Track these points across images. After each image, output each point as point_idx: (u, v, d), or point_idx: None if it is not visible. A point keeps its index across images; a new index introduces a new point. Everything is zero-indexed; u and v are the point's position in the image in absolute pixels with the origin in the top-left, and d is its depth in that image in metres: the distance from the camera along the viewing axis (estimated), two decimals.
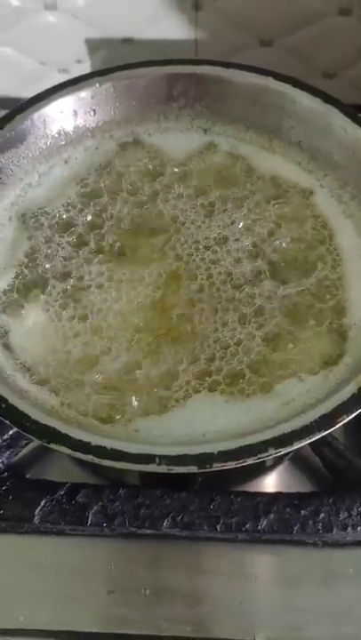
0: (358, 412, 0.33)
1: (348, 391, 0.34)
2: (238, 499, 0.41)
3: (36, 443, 0.45)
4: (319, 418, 0.33)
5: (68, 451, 0.33)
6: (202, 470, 0.32)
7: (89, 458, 0.33)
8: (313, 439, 0.33)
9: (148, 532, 0.40)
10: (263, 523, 0.40)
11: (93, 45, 0.65)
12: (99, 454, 0.33)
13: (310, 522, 0.40)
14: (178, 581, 0.41)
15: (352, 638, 0.39)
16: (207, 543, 0.41)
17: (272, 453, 0.33)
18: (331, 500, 0.41)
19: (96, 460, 0.32)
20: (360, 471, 0.41)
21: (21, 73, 0.67)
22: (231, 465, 0.32)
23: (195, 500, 0.41)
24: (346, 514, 0.40)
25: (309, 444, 0.40)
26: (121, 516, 0.40)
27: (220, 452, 0.33)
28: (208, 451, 0.33)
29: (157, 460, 0.32)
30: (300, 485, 0.45)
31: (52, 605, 0.40)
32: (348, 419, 0.33)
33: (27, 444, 0.44)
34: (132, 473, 0.43)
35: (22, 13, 0.62)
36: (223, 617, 0.40)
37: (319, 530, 0.40)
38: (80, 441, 0.33)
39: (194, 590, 0.41)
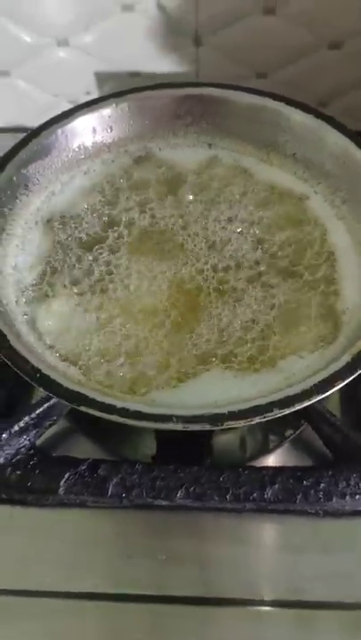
0: (351, 377, 0.38)
1: (342, 361, 0.39)
2: (246, 472, 0.44)
3: (59, 425, 0.49)
4: (318, 383, 0.38)
5: (97, 412, 0.37)
6: (214, 428, 0.36)
7: (114, 417, 0.36)
8: (312, 401, 0.37)
9: (163, 502, 0.43)
10: (269, 493, 0.43)
11: (102, 79, 0.69)
12: (123, 414, 0.37)
13: (312, 491, 0.43)
14: (190, 547, 0.44)
15: (350, 598, 0.42)
16: (217, 513, 0.44)
17: (276, 413, 0.37)
18: (330, 472, 0.44)
19: (120, 420, 0.36)
20: (356, 444, 0.44)
21: (34, 104, 0.71)
22: (240, 423, 0.36)
23: (206, 474, 0.43)
24: (344, 484, 0.43)
25: (309, 422, 0.45)
26: (138, 487, 0.43)
27: (230, 412, 0.37)
28: (220, 412, 0.37)
29: (174, 419, 0.36)
30: (302, 463, 0.48)
31: (74, 570, 0.43)
32: (343, 383, 0.38)
33: (50, 426, 0.47)
34: (147, 450, 0.47)
35: (36, 49, 0.66)
36: (232, 579, 0.42)
37: (320, 499, 0.43)
38: (106, 404, 0.37)
39: (205, 556, 0.43)
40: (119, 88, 0.64)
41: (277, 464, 0.48)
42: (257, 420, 0.36)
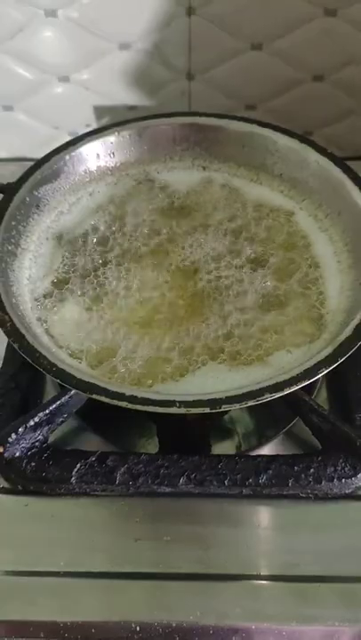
0: (332, 366, 0.42)
1: (325, 353, 0.43)
2: (242, 459, 0.47)
3: (70, 423, 0.52)
4: (304, 370, 0.42)
5: (107, 399, 0.41)
6: (213, 410, 0.40)
7: (123, 404, 0.41)
8: (300, 386, 0.42)
9: (167, 489, 0.46)
10: (263, 478, 0.46)
11: (100, 112, 0.73)
12: (131, 401, 0.41)
13: (303, 476, 0.46)
14: (193, 530, 0.47)
15: (339, 572, 0.45)
16: (217, 498, 0.47)
17: (268, 397, 0.41)
18: (319, 458, 0.47)
19: (130, 405, 0.41)
20: (342, 433, 0.48)
21: (36, 136, 0.74)
22: (236, 406, 0.41)
23: (206, 462, 0.47)
24: (332, 468, 0.47)
25: (300, 414, 0.50)
26: (144, 475, 0.46)
27: (227, 397, 0.41)
28: (217, 396, 0.41)
29: (177, 404, 0.41)
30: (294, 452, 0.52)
31: (86, 552, 0.46)
32: (326, 371, 0.42)
33: (62, 422, 0.51)
34: (150, 446, 0.51)
35: (38, 84, 0.70)
36: (231, 557, 0.45)
37: (310, 482, 0.46)
38: (115, 392, 0.42)
39: (206, 537, 0.46)
40: (117, 120, 0.68)
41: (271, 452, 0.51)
42: (250, 402, 0.41)
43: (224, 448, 0.54)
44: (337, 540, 0.47)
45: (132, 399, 0.41)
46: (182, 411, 0.40)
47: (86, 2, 0.63)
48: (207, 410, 0.40)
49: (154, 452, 0.50)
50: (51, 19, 0.64)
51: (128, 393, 0.41)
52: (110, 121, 0.73)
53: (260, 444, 0.52)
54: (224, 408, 0.40)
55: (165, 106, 0.72)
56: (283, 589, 0.45)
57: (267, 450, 0.52)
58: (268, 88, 0.70)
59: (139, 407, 0.40)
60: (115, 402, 0.41)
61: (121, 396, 0.41)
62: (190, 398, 0.41)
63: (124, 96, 0.71)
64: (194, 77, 0.70)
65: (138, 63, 0.68)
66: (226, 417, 0.56)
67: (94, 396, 0.41)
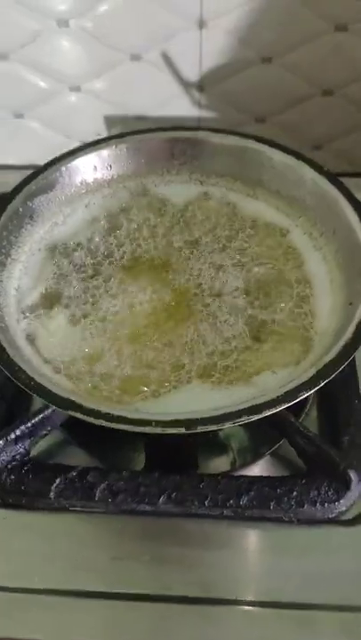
0: (313, 390, 0.41)
1: (307, 375, 0.42)
2: (224, 479, 0.46)
3: (54, 437, 0.52)
4: (284, 393, 0.41)
5: (83, 416, 0.41)
6: (189, 431, 0.40)
7: (99, 422, 0.40)
8: (279, 409, 0.41)
9: (147, 507, 0.46)
10: (245, 499, 0.45)
11: (111, 122, 0.73)
12: (107, 419, 0.40)
13: (285, 498, 0.45)
14: (172, 550, 0.46)
15: (321, 600, 0.44)
16: (198, 518, 0.47)
17: (245, 419, 0.40)
18: (303, 481, 0.46)
19: (105, 423, 0.40)
20: (327, 456, 0.47)
21: (48, 144, 0.74)
22: (213, 427, 0.40)
23: (187, 481, 0.46)
24: (315, 492, 0.46)
25: (285, 436, 0.49)
26: (123, 493, 0.46)
27: (203, 418, 0.40)
28: (194, 417, 0.41)
29: (153, 423, 0.40)
30: (280, 473, 0.51)
31: (63, 569, 0.46)
32: (306, 394, 0.41)
33: (45, 435, 0.51)
34: (136, 462, 0.50)
35: (50, 93, 0.70)
36: (211, 580, 0.45)
37: (293, 505, 0.45)
38: (92, 409, 0.41)
39: (186, 558, 0.46)
40: (127, 130, 0.68)
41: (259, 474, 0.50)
42: (228, 425, 0.40)
43: (219, 463, 0.53)
44: (320, 566, 0.46)
45: (108, 417, 0.40)
46: (158, 430, 0.40)
47: (99, 13, 0.64)
48: (183, 430, 0.40)
49: (141, 466, 0.50)
50: (63, 29, 0.65)
51: (104, 410, 0.41)
52: (120, 131, 0.72)
53: (256, 459, 0.52)
54: (200, 429, 0.40)
55: (175, 118, 0.72)
56: (262, 615, 0.44)
57: (258, 468, 0.52)
58: (277, 101, 0.71)
59: (114, 425, 0.40)
60: (90, 419, 0.40)
61: (97, 414, 0.40)
62: (167, 418, 0.40)
63: (135, 106, 0.72)
64: (204, 89, 0.70)
65: (148, 74, 0.69)
66: (221, 432, 0.55)
67: (70, 413, 0.41)
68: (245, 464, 0.52)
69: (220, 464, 0.53)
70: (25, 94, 0.71)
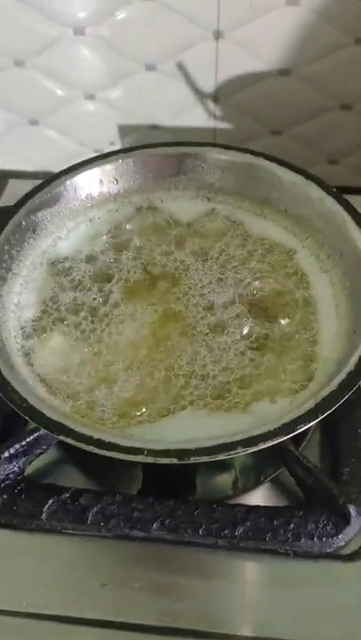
0: (312, 423, 0.40)
1: (306, 407, 0.41)
2: (220, 508, 0.45)
3: (51, 455, 0.52)
4: (281, 425, 0.40)
5: (73, 442, 0.40)
6: (182, 462, 0.39)
7: (90, 448, 0.39)
8: (275, 442, 0.39)
9: (140, 533, 0.45)
10: (240, 530, 0.44)
11: (125, 131, 0.74)
12: (98, 445, 0.39)
13: (281, 531, 0.44)
14: (164, 579, 0.45)
15: (315, 636, 0.43)
16: (191, 547, 0.46)
17: (240, 451, 0.39)
18: (301, 513, 0.45)
19: (95, 450, 0.39)
20: (325, 489, 0.45)
21: (63, 152, 0.75)
22: (206, 459, 0.39)
23: (182, 507, 0.45)
24: (313, 525, 0.44)
25: (285, 464, 0.47)
26: (116, 517, 0.45)
27: (197, 449, 0.39)
28: (188, 447, 0.39)
29: (145, 452, 0.39)
30: (279, 501, 0.50)
31: (51, 593, 0.45)
32: (305, 427, 0.40)
33: (40, 454, 0.50)
34: (133, 484, 0.49)
35: (66, 102, 0.71)
36: (201, 612, 0.44)
37: (289, 538, 0.44)
38: (83, 434, 0.40)
39: (177, 588, 0.45)
40: (141, 140, 0.69)
41: (259, 502, 0.49)
42: (221, 456, 0.39)
43: (221, 485, 0.52)
44: (315, 602, 0.45)
45: (99, 443, 0.39)
46: (149, 460, 0.39)
47: (116, 22, 0.64)
48: (175, 461, 0.39)
49: (137, 488, 0.48)
50: (80, 37, 0.66)
51: (96, 437, 0.40)
52: (134, 140, 0.75)
53: (257, 484, 0.51)
54: (193, 460, 0.38)
55: (189, 128, 0.73)
56: None
57: (260, 493, 0.51)
58: (294, 114, 0.70)
59: (105, 453, 0.39)
60: (81, 445, 0.39)
61: (88, 440, 0.40)
62: (159, 447, 0.39)
63: (149, 116, 0.73)
64: (219, 100, 0.70)
65: (163, 84, 0.69)
66: None
67: (61, 437, 0.40)
68: (247, 489, 0.51)
69: (222, 485, 0.52)
70: (40, 101, 0.72)
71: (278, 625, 0.44)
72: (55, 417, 0.41)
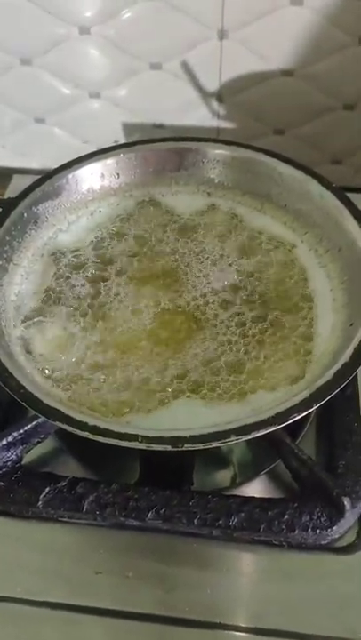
0: (306, 412, 0.40)
1: (300, 397, 0.41)
2: (215, 498, 0.45)
3: (49, 444, 0.52)
4: (275, 414, 0.40)
5: (69, 428, 0.40)
6: (175, 449, 0.39)
7: (85, 434, 0.40)
8: (268, 431, 0.39)
9: (134, 522, 0.45)
10: (234, 520, 0.44)
11: (129, 129, 0.74)
12: (93, 431, 0.40)
13: (276, 522, 0.44)
14: (158, 568, 0.45)
15: (308, 627, 0.43)
16: (186, 537, 0.46)
17: (233, 439, 0.39)
18: (295, 505, 0.45)
19: (91, 436, 0.39)
20: (320, 481, 0.45)
21: (68, 149, 0.75)
22: (199, 446, 0.39)
23: (177, 497, 0.45)
24: (307, 517, 0.44)
25: (280, 456, 0.47)
26: (112, 506, 0.45)
27: (191, 436, 0.39)
28: (181, 434, 0.40)
29: (139, 439, 0.39)
30: (274, 493, 0.50)
31: (45, 580, 0.45)
32: (299, 416, 0.40)
33: (38, 443, 0.51)
34: (130, 474, 0.49)
35: (71, 100, 0.71)
36: (194, 602, 0.44)
37: (283, 529, 0.44)
38: (79, 421, 0.40)
39: (171, 577, 0.45)
40: (145, 138, 0.69)
41: (255, 494, 0.49)
42: (215, 444, 0.39)
43: (219, 476, 0.52)
44: (308, 593, 0.45)
45: (95, 430, 0.40)
46: (143, 446, 0.39)
47: (121, 21, 0.65)
48: (169, 448, 0.39)
49: (135, 477, 0.49)
50: (85, 36, 0.66)
51: (91, 423, 0.40)
52: (138, 138, 0.74)
53: (255, 475, 0.51)
54: (186, 447, 0.39)
55: (193, 127, 0.72)
56: None
57: (257, 484, 0.51)
58: (297, 114, 0.70)
59: (100, 439, 0.39)
60: (77, 431, 0.40)
61: (83, 426, 0.40)
62: (153, 434, 0.39)
63: (153, 115, 0.73)
64: (223, 100, 0.70)
65: (168, 83, 0.69)
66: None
67: (57, 423, 0.40)
68: (245, 480, 0.51)
69: (220, 477, 0.52)
70: (46, 99, 0.72)
71: (271, 615, 0.44)
72: (52, 404, 0.41)
